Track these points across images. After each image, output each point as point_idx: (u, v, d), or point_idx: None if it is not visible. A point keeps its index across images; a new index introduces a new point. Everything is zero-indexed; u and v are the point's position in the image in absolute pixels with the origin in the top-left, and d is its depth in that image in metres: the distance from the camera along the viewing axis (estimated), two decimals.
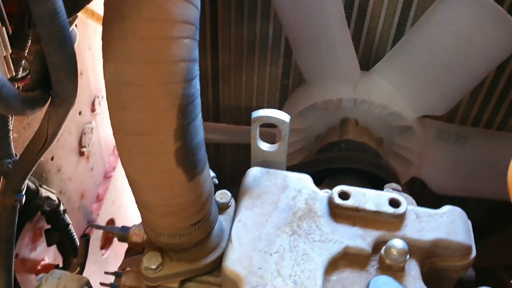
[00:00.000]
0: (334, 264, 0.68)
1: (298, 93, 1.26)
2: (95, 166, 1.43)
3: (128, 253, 1.05)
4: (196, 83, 0.65)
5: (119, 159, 1.54)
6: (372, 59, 1.24)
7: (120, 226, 1.61)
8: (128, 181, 0.70)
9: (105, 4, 0.63)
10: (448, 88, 1.10)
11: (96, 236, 1.43)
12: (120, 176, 1.56)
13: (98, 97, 1.38)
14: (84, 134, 1.33)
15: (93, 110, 1.36)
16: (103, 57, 0.63)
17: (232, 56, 1.34)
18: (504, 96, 1.26)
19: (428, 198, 1.47)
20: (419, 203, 1.42)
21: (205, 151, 0.72)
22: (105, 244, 1.49)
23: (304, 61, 1.16)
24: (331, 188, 0.84)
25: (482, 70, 1.08)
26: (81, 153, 1.32)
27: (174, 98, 0.61)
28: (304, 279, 0.65)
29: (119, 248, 1.51)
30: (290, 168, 1.20)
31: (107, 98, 0.64)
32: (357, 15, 1.18)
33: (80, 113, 1.29)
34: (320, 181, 1.17)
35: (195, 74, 0.64)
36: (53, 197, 1.08)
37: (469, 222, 0.76)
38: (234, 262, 0.67)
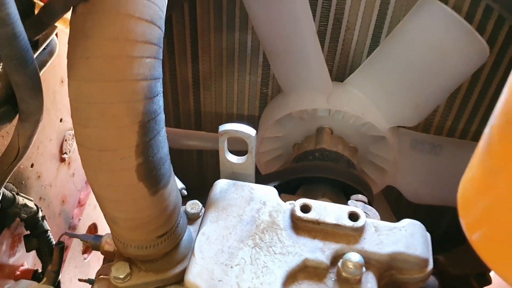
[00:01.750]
0: (293, 277, 0.70)
1: (276, 102, 1.28)
2: (77, 171, 1.44)
3: (106, 259, 1.07)
4: (159, 100, 0.67)
5: None
6: (348, 70, 1.26)
7: (102, 230, 1.64)
8: (94, 195, 0.72)
9: (70, 24, 0.65)
10: (419, 100, 1.12)
11: (78, 241, 1.44)
12: None
13: None
14: (65, 140, 1.35)
15: None
16: (67, 75, 0.65)
17: (212, 64, 1.35)
18: (477, 107, 1.29)
19: (406, 206, 1.50)
20: (397, 212, 1.44)
21: (170, 165, 0.73)
22: (87, 248, 1.50)
23: (280, 72, 1.18)
24: (305, 196, 0.86)
25: (452, 83, 1.10)
26: (62, 160, 1.34)
27: (135, 115, 0.63)
28: None
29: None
30: (267, 176, 1.22)
31: (71, 115, 0.66)
32: (333, 26, 1.20)
33: (61, 120, 1.31)
34: (296, 188, 1.20)
35: (157, 91, 0.66)
36: (31, 204, 1.09)
37: (428, 235, 0.78)
38: (195, 276, 0.69)
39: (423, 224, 0.79)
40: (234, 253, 0.71)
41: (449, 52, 1.05)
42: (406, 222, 0.78)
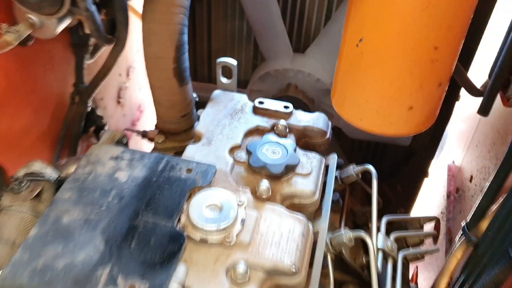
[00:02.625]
0: (250, 133, 1.33)
1: (260, 67, 1.92)
2: (127, 114, 2.10)
3: None
4: (185, 37, 1.31)
5: (142, 114, 2.27)
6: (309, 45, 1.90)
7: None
8: (150, 86, 1.37)
9: None
10: None
11: None
12: (141, 127, 2.23)
13: (131, 67, 2.07)
14: (121, 89, 2.01)
15: (127, 74, 2.05)
16: (142, 21, 1.30)
17: (220, 43, 2.01)
18: None
19: (358, 149, 2.11)
20: (351, 152, 2.04)
21: (189, 75, 1.38)
22: None
23: (262, 45, 1.83)
24: None
25: None
26: (118, 102, 2.00)
27: (174, 41, 1.28)
28: (233, 136, 1.29)
29: None
30: None
31: (143, 41, 1.30)
32: (298, 17, 1.84)
33: (120, 74, 1.98)
34: None
35: (185, 32, 1.31)
36: (103, 117, 1.75)
37: (329, 122, 1.39)
38: (199, 127, 1.32)
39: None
40: (220, 121, 1.35)
41: None
42: (317, 113, 1.41)
